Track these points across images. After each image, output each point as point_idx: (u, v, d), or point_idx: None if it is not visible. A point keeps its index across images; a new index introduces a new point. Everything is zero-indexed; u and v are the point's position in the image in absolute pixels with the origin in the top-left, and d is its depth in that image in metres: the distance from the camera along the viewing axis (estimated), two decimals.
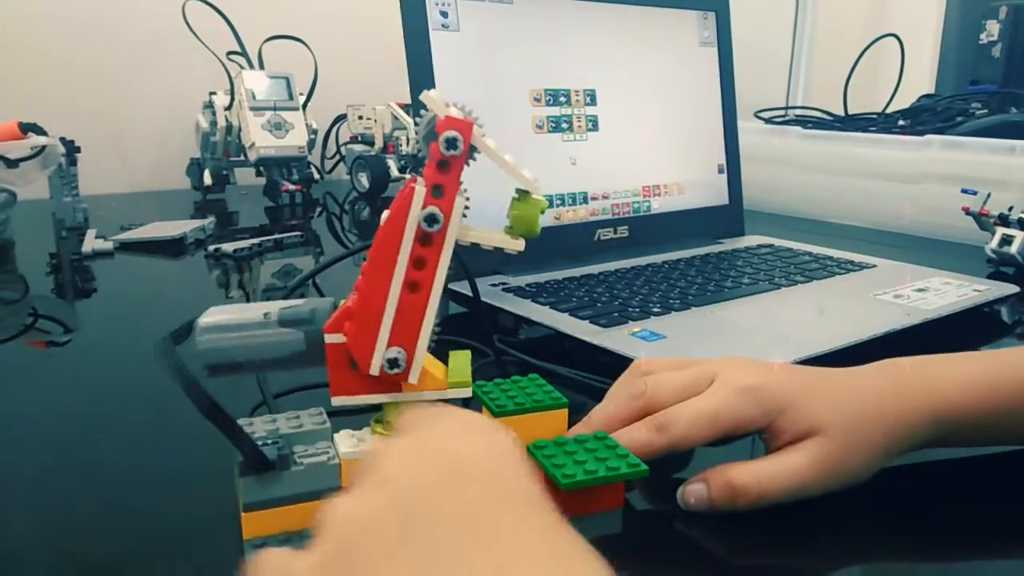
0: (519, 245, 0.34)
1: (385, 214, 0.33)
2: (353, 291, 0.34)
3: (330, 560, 0.23)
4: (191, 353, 0.34)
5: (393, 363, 0.33)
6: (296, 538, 0.32)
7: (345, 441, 0.35)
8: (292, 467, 0.34)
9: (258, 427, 0.36)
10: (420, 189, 0.32)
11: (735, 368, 0.41)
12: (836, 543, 0.37)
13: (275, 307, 0.35)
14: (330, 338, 0.34)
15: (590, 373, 0.53)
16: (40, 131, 0.94)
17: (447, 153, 0.32)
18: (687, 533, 0.38)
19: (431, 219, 0.32)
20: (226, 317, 0.35)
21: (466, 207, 0.36)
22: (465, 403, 0.36)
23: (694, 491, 0.39)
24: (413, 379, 0.34)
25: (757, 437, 0.40)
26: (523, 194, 0.34)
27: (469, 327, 0.64)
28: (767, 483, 0.37)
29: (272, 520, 0.33)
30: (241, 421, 0.36)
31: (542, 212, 0.34)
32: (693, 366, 0.42)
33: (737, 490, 0.37)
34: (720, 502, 0.38)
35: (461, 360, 0.36)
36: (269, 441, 0.34)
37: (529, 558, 0.22)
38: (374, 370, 0.33)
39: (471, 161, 0.34)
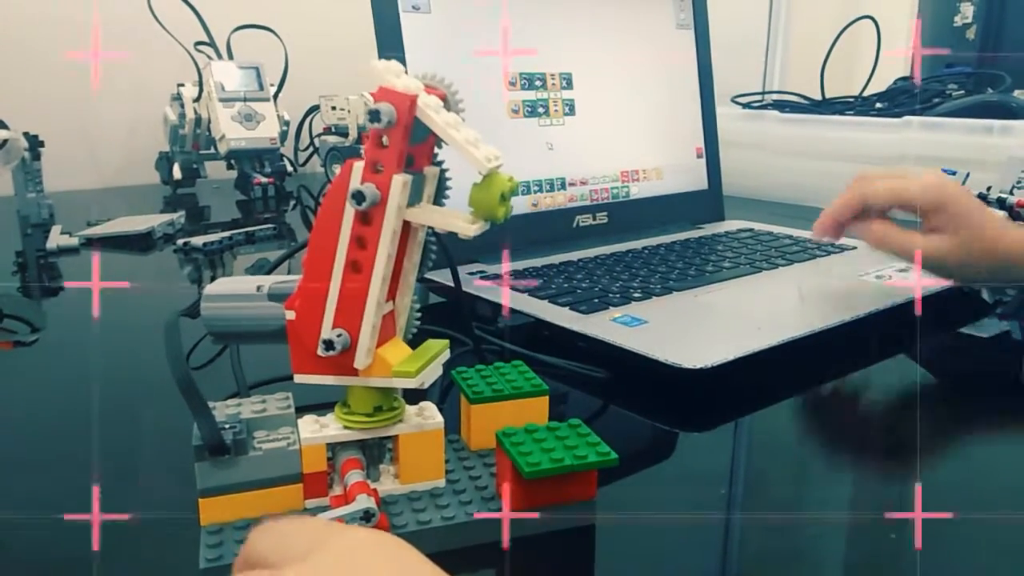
0: (470, 230, 0.32)
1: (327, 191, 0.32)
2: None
3: None
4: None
5: (328, 345, 0.32)
6: (255, 525, 0.31)
7: (308, 426, 0.34)
8: (250, 452, 0.33)
9: (220, 411, 0.35)
10: (358, 165, 0.31)
11: (936, 176, 0.61)
12: (822, 535, 0.36)
13: (269, 281, 0.35)
14: (288, 314, 0.33)
15: (571, 360, 0.52)
16: (1, 124, 0.91)
17: (371, 126, 0.30)
18: (660, 526, 0.37)
19: (357, 196, 0.31)
20: (228, 287, 0.35)
21: (450, 186, 0.34)
22: (421, 394, 0.35)
23: (870, 229, 0.61)
24: (359, 364, 0.33)
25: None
26: (485, 176, 0.32)
27: (448, 316, 0.62)
28: (900, 241, 0.61)
29: (231, 506, 0.32)
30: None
31: (504, 195, 0.32)
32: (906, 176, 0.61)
33: (875, 234, 0.61)
34: (868, 238, 0.62)
35: (427, 348, 0.35)
36: (227, 426, 0.33)
37: None
38: (319, 351, 0.32)
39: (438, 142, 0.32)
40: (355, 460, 0.34)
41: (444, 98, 0.32)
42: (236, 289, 0.35)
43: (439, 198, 0.34)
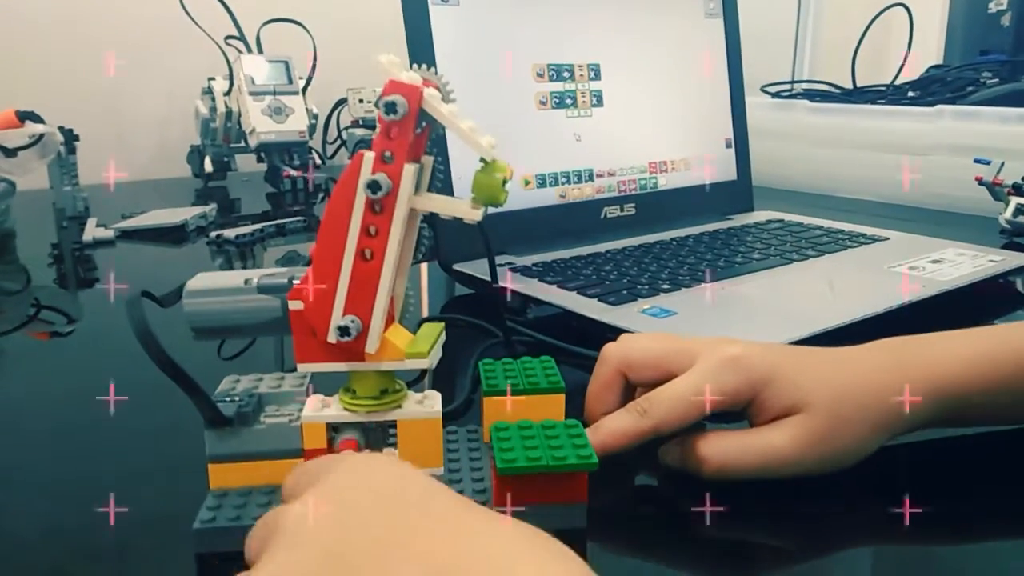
0: (476, 215, 0.33)
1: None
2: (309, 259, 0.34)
3: None
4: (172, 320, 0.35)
5: (343, 331, 0.33)
6: (257, 493, 0.35)
7: (312, 405, 0.35)
8: (255, 425, 0.35)
9: (243, 384, 0.37)
10: (369, 155, 0.32)
11: (717, 343, 0.39)
12: (823, 538, 0.36)
13: (257, 274, 0.36)
14: (293, 305, 0.34)
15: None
16: (37, 119, 0.93)
17: (387, 118, 0.31)
18: (650, 529, 0.36)
19: (373, 186, 0.32)
20: (211, 282, 0.36)
21: (440, 175, 0.35)
22: (443, 382, 0.35)
23: (669, 451, 0.39)
24: (371, 349, 0.33)
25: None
26: (487, 163, 0.33)
27: (477, 307, 0.63)
28: (734, 457, 0.37)
29: (237, 473, 0.35)
30: (229, 378, 0.38)
31: (505, 181, 0.33)
32: (674, 340, 0.41)
33: (700, 460, 0.37)
34: (688, 467, 0.38)
35: (428, 332, 0.35)
36: (238, 399, 0.35)
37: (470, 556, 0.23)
38: (331, 338, 0.33)
39: (433, 129, 0.33)
40: (352, 441, 0.35)
41: (438, 89, 0.33)
42: (222, 284, 0.36)
43: (431, 185, 0.35)
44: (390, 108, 0.31)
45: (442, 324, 0.36)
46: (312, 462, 0.29)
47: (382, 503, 0.25)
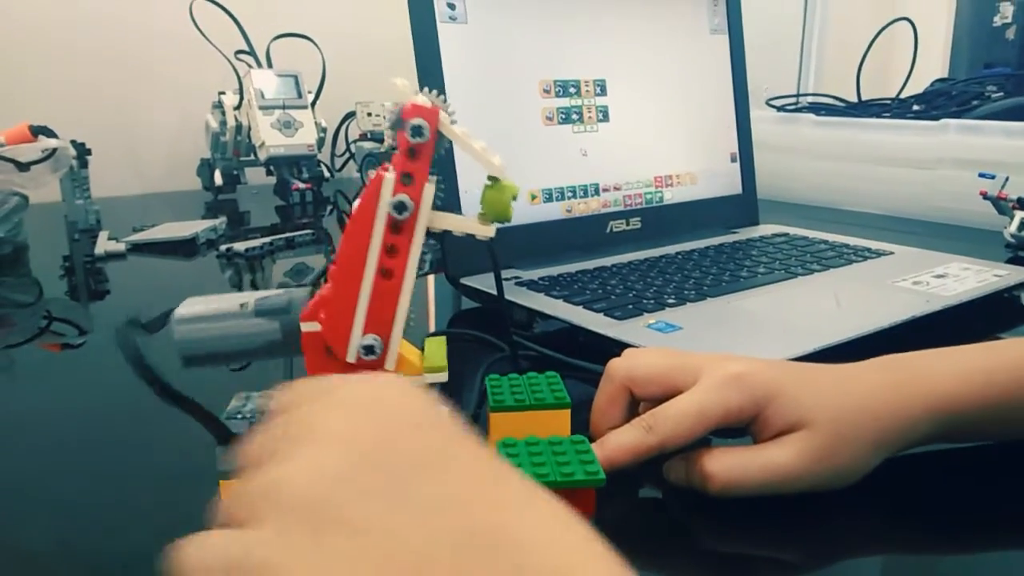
0: (489, 231, 0.34)
1: (356, 203, 0.33)
2: (327, 279, 0.34)
3: (292, 527, 0.21)
4: (169, 343, 0.34)
5: (369, 350, 0.34)
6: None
7: None
8: None
9: (254, 401, 0.37)
10: (390, 177, 0.33)
11: (721, 360, 0.40)
12: (828, 552, 0.36)
13: (252, 297, 0.35)
14: (306, 326, 0.34)
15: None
16: (50, 133, 0.94)
17: (413, 141, 0.32)
18: (656, 544, 0.37)
19: (400, 206, 0.33)
20: (202, 308, 0.35)
21: (440, 194, 0.36)
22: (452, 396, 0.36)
23: (674, 468, 0.39)
24: (389, 365, 0.34)
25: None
26: (495, 181, 0.34)
27: (483, 321, 0.63)
28: (739, 475, 0.37)
29: None
30: (239, 395, 0.38)
31: (514, 198, 0.34)
32: (678, 356, 0.42)
33: (705, 477, 0.37)
34: (693, 484, 0.38)
35: (437, 346, 0.36)
36: (248, 416, 0.35)
37: (494, 483, 0.23)
38: (350, 357, 0.34)
39: (444, 149, 0.34)
40: None
41: (445, 113, 0.34)
42: (215, 309, 0.35)
43: (434, 204, 0.36)
44: (417, 131, 0.32)
45: (443, 338, 0.37)
46: (316, 379, 0.27)
47: (418, 425, 0.25)
